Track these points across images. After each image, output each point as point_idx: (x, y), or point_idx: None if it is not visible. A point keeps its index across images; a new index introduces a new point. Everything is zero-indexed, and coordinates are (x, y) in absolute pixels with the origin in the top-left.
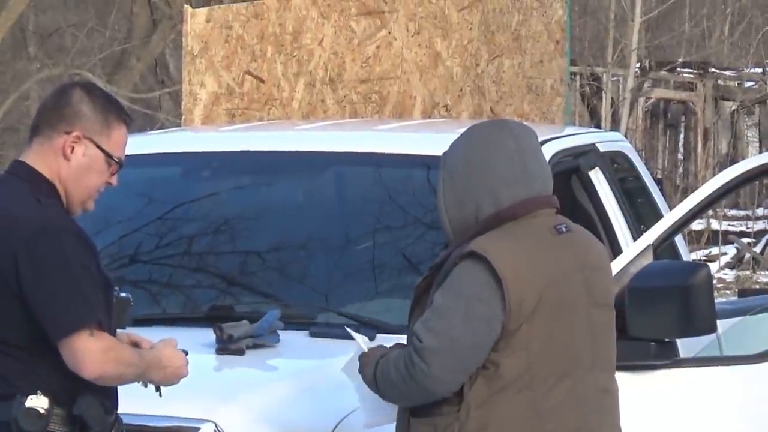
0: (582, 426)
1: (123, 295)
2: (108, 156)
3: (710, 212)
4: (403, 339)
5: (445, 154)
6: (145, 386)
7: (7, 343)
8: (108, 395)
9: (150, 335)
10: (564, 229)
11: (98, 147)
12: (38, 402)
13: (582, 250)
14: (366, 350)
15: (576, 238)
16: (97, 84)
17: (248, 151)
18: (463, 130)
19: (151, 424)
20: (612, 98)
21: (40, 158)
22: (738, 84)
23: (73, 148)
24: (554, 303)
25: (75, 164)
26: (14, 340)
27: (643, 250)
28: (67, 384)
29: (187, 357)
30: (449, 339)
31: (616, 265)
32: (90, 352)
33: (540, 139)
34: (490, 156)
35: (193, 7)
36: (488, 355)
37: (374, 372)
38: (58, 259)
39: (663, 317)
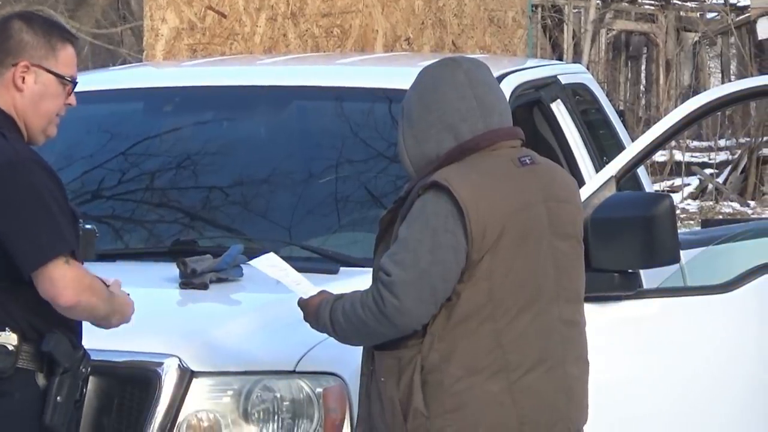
0: (545, 357)
1: (88, 226)
2: (60, 77)
3: (673, 143)
4: (366, 272)
5: (404, 98)
6: (206, 288)
7: None
8: (75, 332)
9: (114, 270)
10: (528, 161)
11: (48, 71)
12: (7, 339)
13: (547, 182)
14: (304, 297)
15: (541, 170)
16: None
17: (210, 86)
18: (426, 62)
19: (114, 360)
20: (574, 30)
21: (8, 100)
22: (700, 15)
23: (23, 78)
24: (517, 233)
25: (29, 93)
26: None
27: (606, 182)
28: (35, 321)
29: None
30: (418, 270)
31: (581, 197)
32: (67, 279)
33: (501, 71)
34: (443, 93)
35: None
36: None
37: (329, 316)
38: (29, 191)
39: (626, 248)
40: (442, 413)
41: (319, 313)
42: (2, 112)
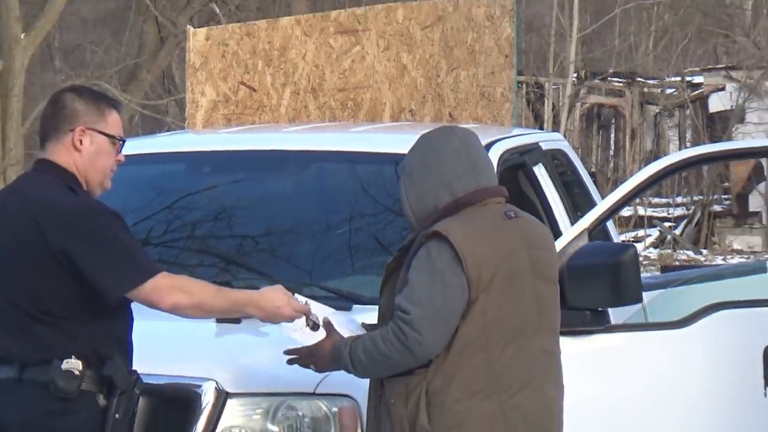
0: (529, 380)
1: None
2: (111, 137)
3: (637, 200)
4: (374, 309)
5: (405, 160)
6: (238, 322)
7: (50, 314)
8: (128, 358)
9: (144, 313)
10: (512, 215)
11: (101, 133)
12: (73, 365)
13: (528, 233)
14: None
15: (522, 223)
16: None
17: (242, 150)
18: (425, 130)
19: (162, 383)
20: (553, 103)
21: (57, 156)
22: (660, 90)
23: (81, 141)
24: (505, 277)
25: (86, 153)
26: (57, 311)
27: (580, 233)
28: (98, 350)
29: (299, 299)
30: (434, 308)
31: (557, 246)
32: (162, 287)
33: (491, 139)
34: (441, 156)
35: (194, 27)
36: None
37: (349, 355)
38: (106, 232)
39: (596, 290)
40: (444, 429)
41: (335, 354)
42: (66, 171)
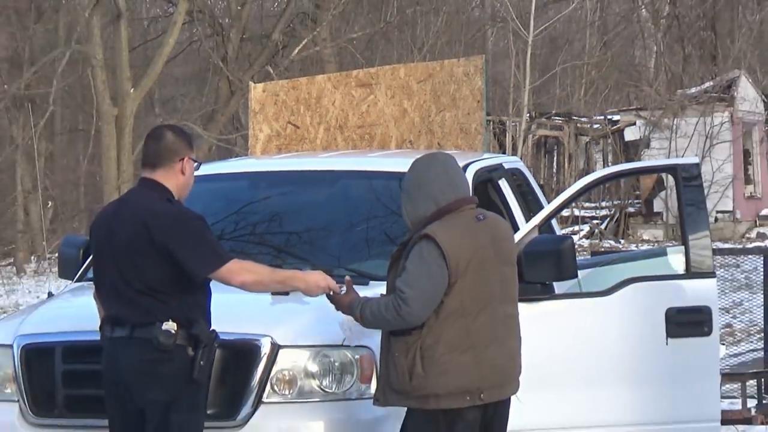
0: (495, 338)
1: None
2: (197, 163)
3: (573, 204)
4: (383, 284)
5: (403, 180)
6: (287, 294)
7: (154, 290)
8: (209, 321)
9: (219, 288)
10: (481, 218)
11: (194, 161)
12: (170, 326)
13: (494, 230)
14: (337, 294)
15: (489, 223)
16: (190, 128)
17: (289, 171)
18: (419, 155)
19: (232, 339)
20: (512, 135)
21: (165, 177)
22: (589, 125)
23: (185, 168)
24: (476, 264)
25: (187, 176)
26: (158, 287)
27: (532, 228)
28: (187, 315)
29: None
30: (422, 289)
31: (516, 237)
32: (234, 270)
33: (469, 161)
34: (428, 176)
35: (255, 83)
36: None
37: (359, 311)
38: (194, 231)
39: (545, 269)
40: (434, 375)
41: (351, 307)
42: (165, 188)
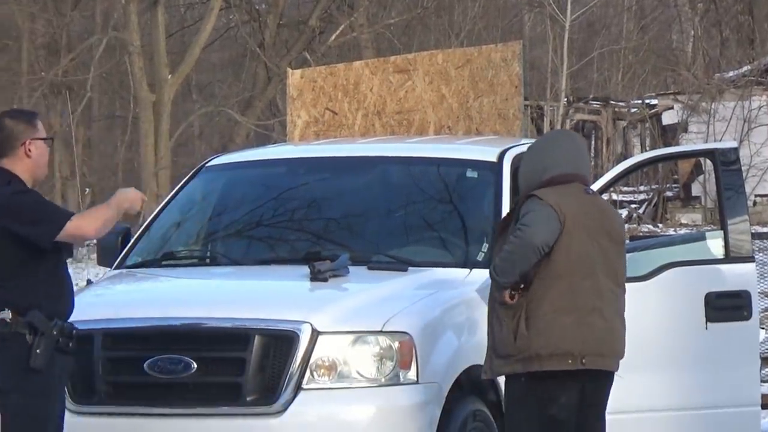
0: (597, 307)
1: None
2: (45, 140)
3: (611, 189)
4: (424, 270)
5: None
6: (326, 281)
7: None
8: (56, 311)
9: (270, 270)
10: (590, 192)
11: (40, 139)
12: (5, 315)
13: (602, 206)
14: None
15: (598, 199)
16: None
17: (327, 157)
18: (459, 141)
19: (266, 326)
20: (549, 120)
21: (12, 164)
22: (627, 110)
23: (30, 149)
24: (582, 229)
25: (35, 156)
26: None
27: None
28: (24, 302)
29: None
30: (539, 220)
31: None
32: (80, 225)
33: (506, 146)
34: (552, 147)
35: (292, 69)
36: (550, 251)
37: (493, 268)
38: (27, 203)
39: None
40: (536, 333)
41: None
42: (13, 174)
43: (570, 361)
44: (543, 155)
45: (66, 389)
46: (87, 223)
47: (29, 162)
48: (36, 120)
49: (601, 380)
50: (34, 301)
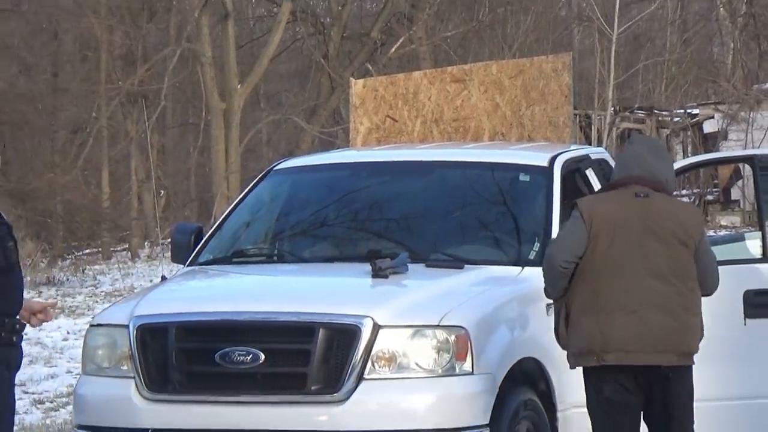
0: (627, 306)
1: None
2: None
3: None
4: (479, 268)
5: None
6: (387, 278)
7: None
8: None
9: (335, 267)
10: (642, 195)
11: None
12: None
13: (651, 208)
14: None
15: (650, 201)
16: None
17: (388, 161)
18: (512, 147)
19: (330, 320)
20: (597, 128)
21: None
22: (670, 119)
23: None
24: (615, 232)
25: None
26: None
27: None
28: None
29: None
30: (560, 236)
31: None
32: None
33: (557, 152)
34: (625, 153)
35: (355, 79)
36: (579, 258)
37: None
38: None
39: None
40: (570, 335)
41: None
42: None
43: (595, 359)
44: (619, 160)
45: (141, 379)
46: None
47: None
48: None
49: (656, 376)
50: None
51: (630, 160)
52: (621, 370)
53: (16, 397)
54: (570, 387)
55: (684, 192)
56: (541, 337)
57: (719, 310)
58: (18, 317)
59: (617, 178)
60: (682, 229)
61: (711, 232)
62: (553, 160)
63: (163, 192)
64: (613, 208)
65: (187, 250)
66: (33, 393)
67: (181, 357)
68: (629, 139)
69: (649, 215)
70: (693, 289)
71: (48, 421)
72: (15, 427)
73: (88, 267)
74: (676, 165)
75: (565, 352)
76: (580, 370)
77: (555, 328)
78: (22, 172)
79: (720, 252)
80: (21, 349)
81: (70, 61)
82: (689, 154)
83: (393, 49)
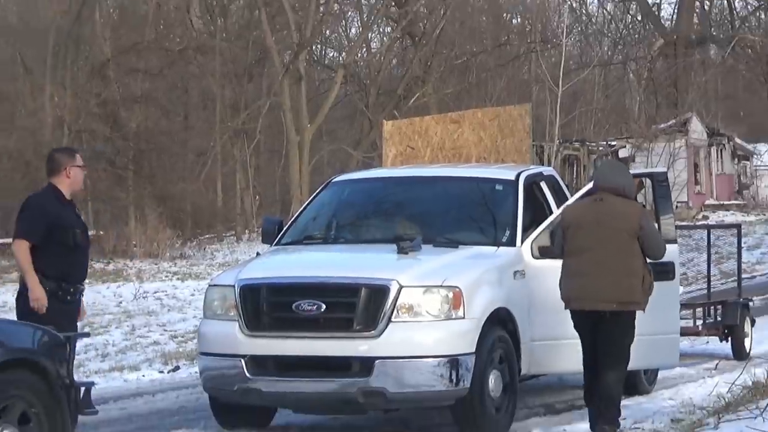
0: (584, 271)
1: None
2: (80, 167)
3: None
4: (470, 248)
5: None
6: (407, 253)
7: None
8: (67, 274)
9: (369, 248)
10: (598, 199)
11: (77, 166)
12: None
13: (603, 207)
14: None
15: (604, 203)
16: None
17: (407, 176)
18: (491, 167)
19: (369, 282)
20: (547, 154)
21: (58, 181)
22: (596, 148)
23: (69, 172)
24: (578, 225)
25: (72, 177)
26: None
27: (558, 212)
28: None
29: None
30: (554, 237)
31: (551, 219)
32: (15, 245)
33: (520, 170)
34: (594, 171)
35: (386, 121)
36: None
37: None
38: (25, 209)
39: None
40: (560, 290)
41: None
42: (56, 188)
43: (566, 305)
44: (592, 178)
45: (242, 321)
46: (16, 250)
47: (68, 181)
48: (75, 153)
49: (597, 320)
50: (46, 268)
51: (597, 176)
52: (578, 313)
53: (159, 334)
54: (529, 328)
55: None
56: (510, 294)
57: None
58: (79, 285)
59: (590, 188)
60: (625, 220)
61: None
62: (518, 175)
63: (257, 196)
64: (578, 211)
65: (272, 235)
66: (170, 331)
67: (268, 307)
68: (599, 162)
69: (600, 213)
70: (632, 261)
71: (180, 349)
72: (157, 354)
73: (207, 246)
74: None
75: (528, 303)
76: (538, 315)
77: (561, 285)
78: (163, 183)
79: None
80: (81, 303)
81: (196, 109)
82: None
83: (411, 101)
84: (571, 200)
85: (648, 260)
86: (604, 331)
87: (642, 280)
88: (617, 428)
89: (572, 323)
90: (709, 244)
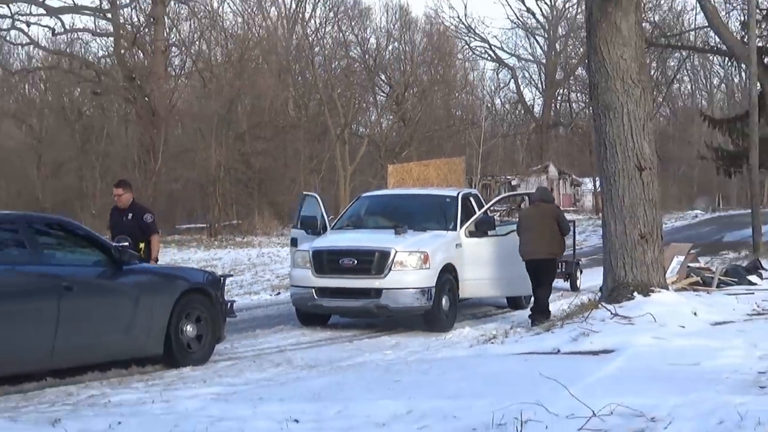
0: (529, 239)
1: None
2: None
3: (493, 207)
4: (432, 232)
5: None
6: (406, 232)
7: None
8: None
9: (381, 232)
10: (537, 205)
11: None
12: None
13: (539, 209)
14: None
15: (540, 207)
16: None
17: (400, 194)
18: (444, 190)
19: (379, 249)
20: (473, 183)
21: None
22: (500, 180)
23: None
24: (527, 219)
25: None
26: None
27: (480, 213)
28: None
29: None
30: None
31: (475, 217)
32: (153, 242)
33: (459, 191)
34: (533, 192)
35: (389, 165)
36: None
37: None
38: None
39: (482, 226)
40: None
41: None
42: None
43: (522, 257)
44: (532, 195)
45: (313, 269)
46: (154, 245)
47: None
48: (114, 186)
49: (537, 264)
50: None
51: (534, 195)
52: (528, 261)
53: (269, 275)
54: (464, 274)
55: (503, 207)
56: (453, 256)
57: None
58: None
59: (532, 201)
60: (549, 213)
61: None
62: (458, 194)
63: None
64: (528, 212)
65: (317, 228)
66: (276, 273)
67: (327, 261)
68: (537, 188)
69: (537, 211)
70: (555, 235)
71: (281, 283)
72: (268, 285)
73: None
74: (500, 196)
75: (462, 261)
76: (467, 267)
77: (519, 248)
78: (272, 196)
79: (510, 227)
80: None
81: (291, 157)
82: (507, 191)
83: (403, 154)
84: (498, 206)
85: (561, 233)
86: (541, 269)
87: (559, 243)
88: (547, 319)
89: (526, 268)
90: (574, 232)
